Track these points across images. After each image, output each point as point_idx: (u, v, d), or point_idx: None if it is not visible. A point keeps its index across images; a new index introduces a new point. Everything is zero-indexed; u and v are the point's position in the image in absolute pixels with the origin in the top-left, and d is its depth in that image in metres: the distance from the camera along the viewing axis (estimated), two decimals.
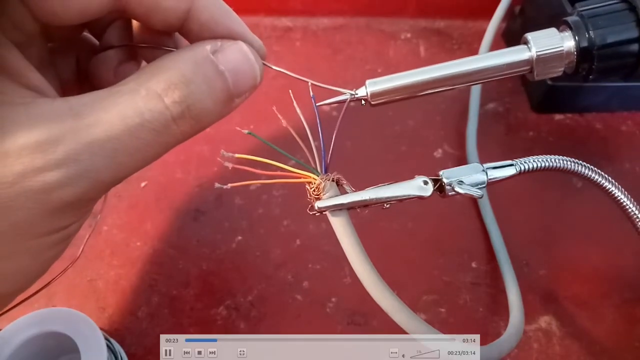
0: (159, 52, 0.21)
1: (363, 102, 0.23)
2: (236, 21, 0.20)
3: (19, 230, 0.16)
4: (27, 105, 0.17)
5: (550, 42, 0.22)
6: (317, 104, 0.22)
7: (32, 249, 0.17)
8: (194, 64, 0.18)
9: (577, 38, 0.22)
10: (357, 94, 0.22)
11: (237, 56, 0.20)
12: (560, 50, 0.22)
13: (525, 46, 0.22)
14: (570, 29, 0.23)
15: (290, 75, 0.22)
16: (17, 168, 0.16)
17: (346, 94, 0.22)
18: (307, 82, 0.22)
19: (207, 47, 0.19)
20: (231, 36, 0.20)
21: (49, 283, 0.22)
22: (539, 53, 0.22)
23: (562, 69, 0.23)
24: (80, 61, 0.23)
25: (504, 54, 0.23)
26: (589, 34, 0.22)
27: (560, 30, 0.23)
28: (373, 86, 0.22)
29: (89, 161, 0.16)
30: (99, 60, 0.22)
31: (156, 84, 0.18)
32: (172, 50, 0.20)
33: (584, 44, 0.22)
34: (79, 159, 0.16)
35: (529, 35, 0.22)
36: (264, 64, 0.21)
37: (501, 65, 0.22)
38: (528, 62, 0.22)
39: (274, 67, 0.22)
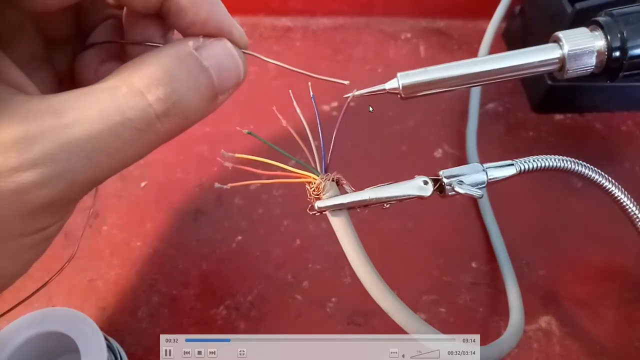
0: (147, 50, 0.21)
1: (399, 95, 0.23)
2: (217, 4, 0.20)
3: None
4: (3, 102, 0.16)
5: (582, 40, 0.23)
6: (351, 94, 0.22)
7: (10, 251, 0.17)
8: (177, 59, 0.18)
9: (608, 37, 0.23)
10: (386, 87, 0.22)
11: (220, 52, 0.19)
12: (592, 48, 0.23)
13: (557, 44, 0.23)
14: (601, 28, 0.23)
15: (283, 69, 0.22)
16: None
17: (380, 86, 0.22)
18: (304, 73, 0.22)
19: (190, 43, 0.19)
20: (211, 18, 0.19)
21: (46, 283, 0.22)
22: (570, 50, 0.22)
23: (593, 66, 0.23)
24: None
25: (536, 51, 0.23)
26: (620, 32, 0.23)
27: (590, 30, 0.23)
28: (405, 79, 0.22)
29: (66, 161, 0.16)
30: (82, 58, 0.22)
31: (138, 81, 0.17)
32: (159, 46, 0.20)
33: (616, 43, 0.23)
34: (55, 159, 0.16)
35: (560, 34, 0.23)
36: (249, 53, 0.21)
37: (533, 63, 0.23)
38: (559, 59, 0.23)
39: (260, 57, 0.21)
